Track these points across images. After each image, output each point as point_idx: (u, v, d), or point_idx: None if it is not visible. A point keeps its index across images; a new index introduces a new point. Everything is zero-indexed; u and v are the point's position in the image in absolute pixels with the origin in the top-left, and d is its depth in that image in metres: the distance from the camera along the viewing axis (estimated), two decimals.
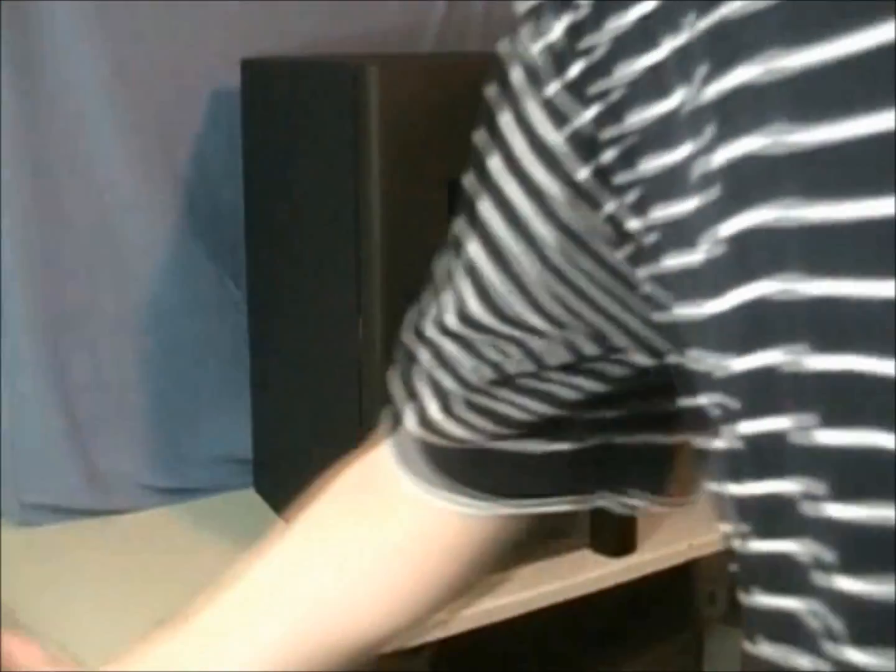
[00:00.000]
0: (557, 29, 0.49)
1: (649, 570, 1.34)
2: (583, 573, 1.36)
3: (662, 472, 0.64)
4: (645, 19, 0.45)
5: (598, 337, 0.56)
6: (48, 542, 1.41)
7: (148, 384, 1.53)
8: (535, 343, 0.57)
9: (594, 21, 0.47)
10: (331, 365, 1.32)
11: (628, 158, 0.47)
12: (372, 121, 1.16)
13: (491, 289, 0.56)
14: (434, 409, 0.61)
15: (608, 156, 0.48)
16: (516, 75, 0.53)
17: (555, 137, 0.51)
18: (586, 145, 0.50)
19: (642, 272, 0.49)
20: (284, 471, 1.47)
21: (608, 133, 0.48)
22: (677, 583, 1.59)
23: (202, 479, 1.54)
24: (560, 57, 0.49)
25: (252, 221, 1.51)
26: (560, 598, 1.33)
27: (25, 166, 1.40)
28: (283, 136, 1.40)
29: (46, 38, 1.38)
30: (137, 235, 1.49)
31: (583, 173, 0.51)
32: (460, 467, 0.62)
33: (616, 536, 1.39)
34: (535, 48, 0.51)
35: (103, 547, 1.41)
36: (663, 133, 0.45)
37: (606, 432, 0.61)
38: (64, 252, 1.45)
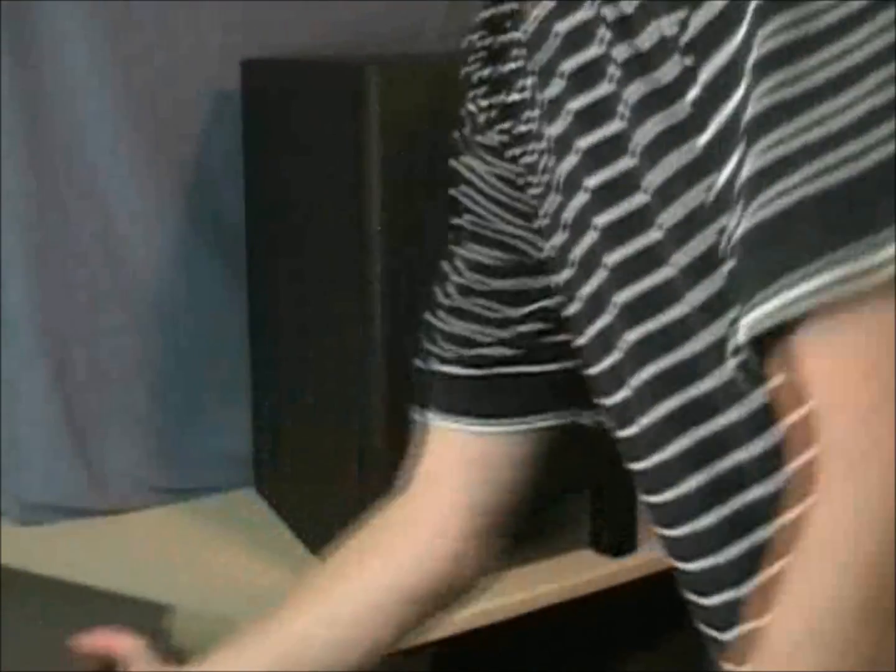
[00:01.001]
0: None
1: (649, 570, 1.33)
2: (583, 573, 1.36)
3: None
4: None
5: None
6: (48, 542, 1.41)
7: (148, 384, 1.53)
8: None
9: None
10: (331, 364, 1.32)
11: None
12: (372, 121, 1.16)
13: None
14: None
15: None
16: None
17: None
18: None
19: None
20: (284, 471, 1.47)
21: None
22: (678, 583, 1.58)
23: (202, 479, 1.54)
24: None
25: (252, 221, 1.51)
26: (560, 598, 1.33)
27: (26, 167, 1.40)
28: (283, 136, 1.40)
29: (46, 38, 1.38)
30: (138, 235, 1.49)
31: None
32: (470, 397, 0.83)
33: (616, 536, 1.39)
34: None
35: (103, 547, 1.41)
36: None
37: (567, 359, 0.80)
38: (64, 252, 1.45)
